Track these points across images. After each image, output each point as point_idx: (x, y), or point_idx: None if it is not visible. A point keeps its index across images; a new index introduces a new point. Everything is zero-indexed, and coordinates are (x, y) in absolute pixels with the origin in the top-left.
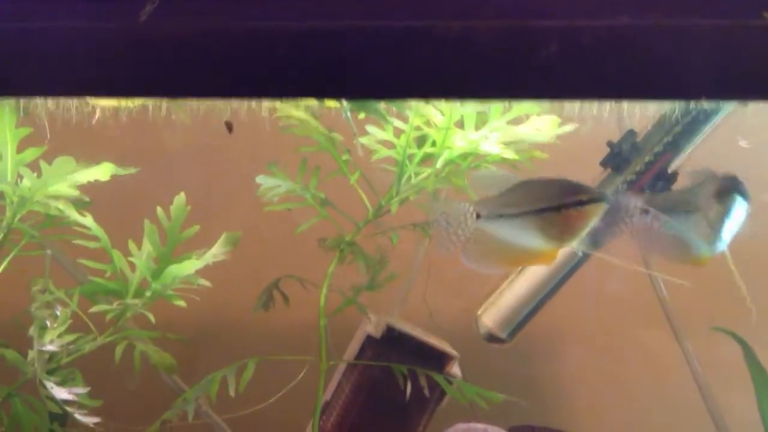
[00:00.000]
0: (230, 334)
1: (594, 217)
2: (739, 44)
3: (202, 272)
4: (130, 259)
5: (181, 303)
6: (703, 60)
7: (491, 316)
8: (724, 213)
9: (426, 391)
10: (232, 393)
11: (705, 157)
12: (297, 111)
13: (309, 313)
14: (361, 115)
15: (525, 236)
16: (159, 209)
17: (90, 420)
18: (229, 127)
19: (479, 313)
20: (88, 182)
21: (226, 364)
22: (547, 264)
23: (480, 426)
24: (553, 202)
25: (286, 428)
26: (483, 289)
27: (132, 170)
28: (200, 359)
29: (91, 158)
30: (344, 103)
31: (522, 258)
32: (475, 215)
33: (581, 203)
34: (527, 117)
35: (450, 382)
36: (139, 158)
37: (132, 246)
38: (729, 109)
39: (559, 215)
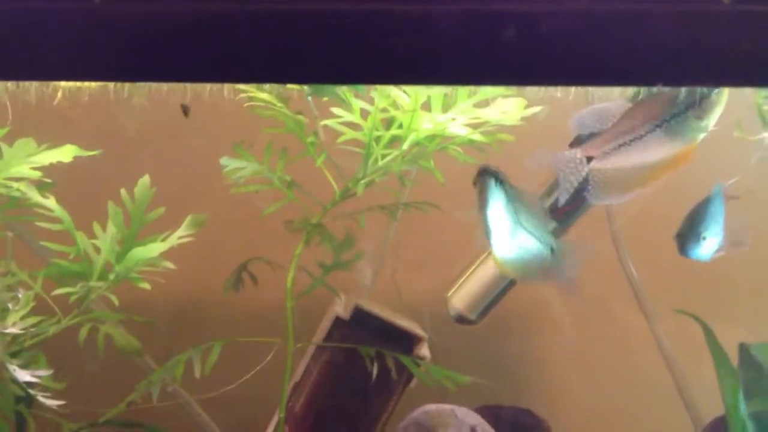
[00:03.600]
0: (205, 315)
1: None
2: (700, 29)
3: (177, 255)
4: (94, 241)
5: (146, 286)
6: (662, 45)
7: (461, 297)
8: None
9: (394, 374)
10: (197, 375)
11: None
12: (262, 93)
13: (281, 294)
14: (325, 98)
15: (656, 151)
16: (123, 191)
17: (53, 402)
18: (185, 110)
19: (449, 294)
20: (51, 164)
21: (200, 344)
22: (686, 162)
23: (447, 407)
24: (681, 107)
25: (259, 407)
26: (452, 270)
27: (94, 152)
28: (174, 340)
29: (53, 140)
30: (305, 87)
31: (660, 170)
32: (585, 159)
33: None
34: (493, 100)
35: (418, 364)
36: (102, 140)
37: (97, 228)
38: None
39: (696, 111)
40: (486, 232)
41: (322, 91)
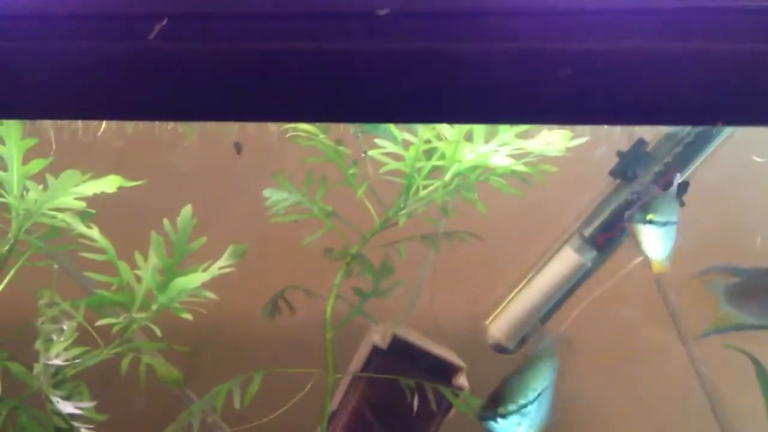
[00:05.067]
0: (238, 341)
1: None
2: (757, 68)
3: (217, 283)
4: (137, 272)
5: (188, 316)
6: (720, 84)
7: (499, 326)
8: None
9: (433, 404)
10: (237, 406)
11: (718, 171)
12: (305, 124)
13: (316, 319)
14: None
15: None
16: (165, 221)
17: None
18: (238, 148)
19: (487, 323)
20: (94, 194)
21: (234, 373)
22: None
23: None
24: None
25: None
26: (491, 298)
27: (138, 183)
28: (207, 368)
29: (95, 170)
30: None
31: None
32: None
33: None
34: (538, 130)
35: (457, 394)
36: (145, 171)
37: (139, 258)
38: None
39: None
40: None
41: (375, 129)
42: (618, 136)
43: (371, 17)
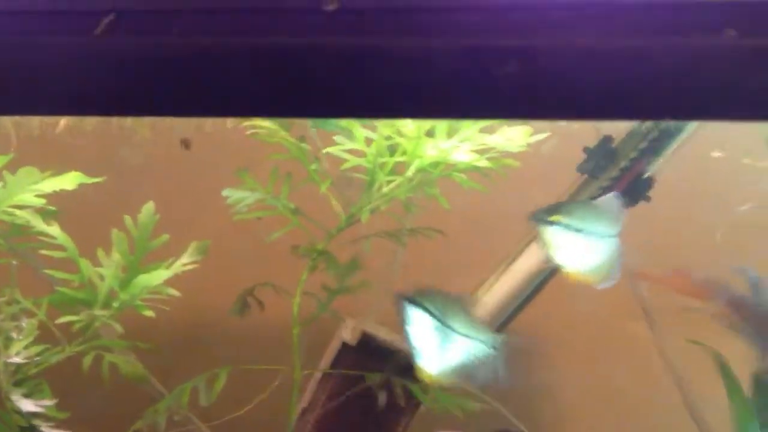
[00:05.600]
0: (212, 339)
1: None
2: (704, 63)
3: (184, 281)
4: (98, 269)
5: (150, 313)
6: (667, 80)
7: None
8: None
9: (401, 400)
10: (203, 402)
11: (676, 167)
12: (264, 121)
13: (288, 318)
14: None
15: None
16: (127, 218)
17: None
18: (186, 144)
19: None
20: (54, 192)
21: (207, 370)
22: None
23: None
24: None
25: None
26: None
27: (98, 179)
28: (181, 365)
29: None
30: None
31: None
32: None
33: None
34: (499, 126)
35: (426, 390)
36: (105, 168)
37: (101, 255)
38: None
39: None
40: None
41: (325, 124)
42: (579, 131)
43: (319, 13)
